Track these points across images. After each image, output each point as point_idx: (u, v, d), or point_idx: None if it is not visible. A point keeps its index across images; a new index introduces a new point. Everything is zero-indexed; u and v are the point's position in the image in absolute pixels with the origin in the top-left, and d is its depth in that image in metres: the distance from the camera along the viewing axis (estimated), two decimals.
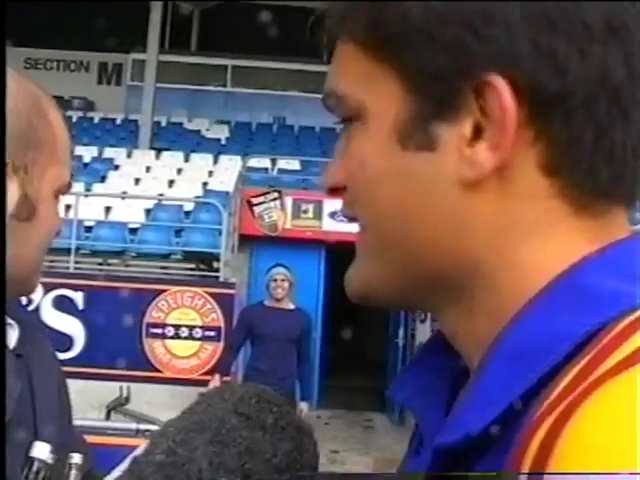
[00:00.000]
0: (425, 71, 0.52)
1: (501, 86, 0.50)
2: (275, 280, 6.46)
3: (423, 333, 10.15)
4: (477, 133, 0.51)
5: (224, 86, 19.40)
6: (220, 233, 9.44)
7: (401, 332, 11.25)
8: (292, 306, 6.57)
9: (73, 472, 1.05)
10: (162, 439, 0.68)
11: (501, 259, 0.53)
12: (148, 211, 11.13)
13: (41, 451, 1.02)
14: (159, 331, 8.19)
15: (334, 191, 0.59)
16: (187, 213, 11.07)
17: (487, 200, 0.52)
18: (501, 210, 0.52)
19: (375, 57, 0.54)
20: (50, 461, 1.02)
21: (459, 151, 0.51)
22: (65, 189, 1.07)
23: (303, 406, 6.19)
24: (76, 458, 1.05)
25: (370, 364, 12.50)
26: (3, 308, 1.00)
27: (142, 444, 0.75)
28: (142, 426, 4.60)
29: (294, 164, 14.13)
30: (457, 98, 0.51)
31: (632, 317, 0.46)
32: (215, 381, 6.32)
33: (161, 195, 11.81)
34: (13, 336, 1.06)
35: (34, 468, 1.01)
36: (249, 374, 6.32)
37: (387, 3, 0.53)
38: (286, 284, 6.47)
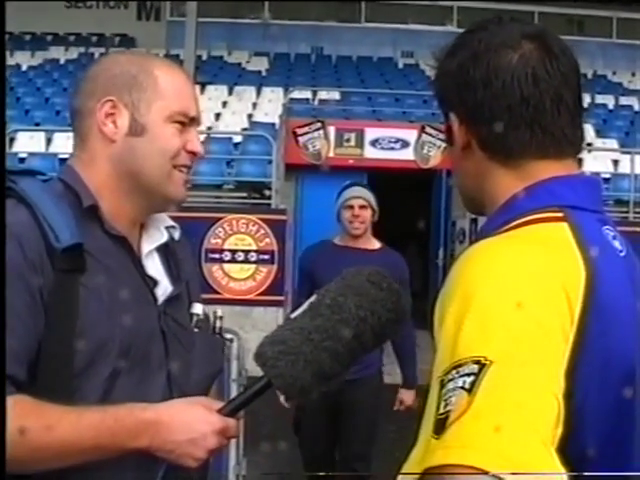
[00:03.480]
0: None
1: (453, 118, 1.12)
2: (351, 207, 4.10)
3: None
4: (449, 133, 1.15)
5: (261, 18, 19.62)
6: (270, 163, 9.97)
7: (441, 253, 11.81)
8: (377, 244, 4.25)
9: (218, 324, 1.65)
10: (328, 293, 1.28)
11: (485, 190, 1.12)
12: None
13: (197, 308, 1.61)
14: (217, 256, 8.86)
15: None
16: (236, 145, 11.59)
17: (470, 162, 1.12)
18: (474, 167, 1.11)
19: None
20: (201, 314, 1.61)
21: (456, 145, 1.13)
22: (177, 116, 1.44)
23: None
24: (198, 308, 1.60)
25: (411, 284, 13.03)
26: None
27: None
28: None
29: (334, 94, 14.53)
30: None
31: (526, 216, 1.04)
32: None
33: (209, 129, 12.31)
34: (177, 233, 1.56)
35: (194, 319, 1.60)
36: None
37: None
38: (367, 213, 4.12)
